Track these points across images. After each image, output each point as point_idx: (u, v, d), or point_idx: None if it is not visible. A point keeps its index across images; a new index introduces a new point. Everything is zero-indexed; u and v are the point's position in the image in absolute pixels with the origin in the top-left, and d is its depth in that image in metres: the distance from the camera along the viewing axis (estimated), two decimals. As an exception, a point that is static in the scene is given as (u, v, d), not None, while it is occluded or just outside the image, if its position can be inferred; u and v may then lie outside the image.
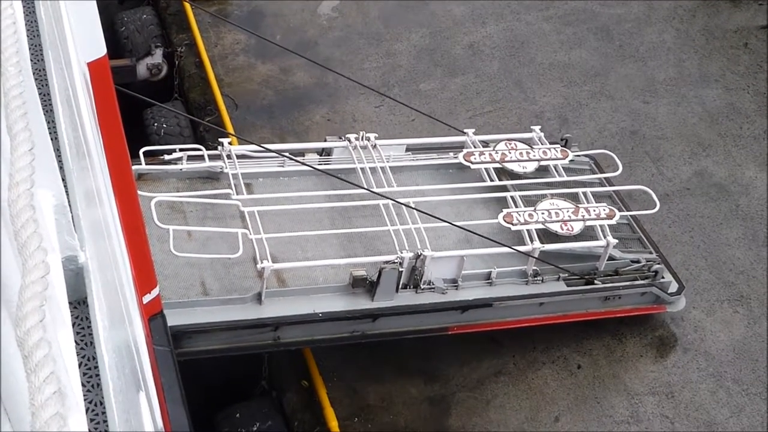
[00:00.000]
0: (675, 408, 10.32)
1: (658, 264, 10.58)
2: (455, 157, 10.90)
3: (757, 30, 15.38)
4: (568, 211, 10.22)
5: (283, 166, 10.53)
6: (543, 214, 10.14)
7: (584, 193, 10.60)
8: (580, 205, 10.34)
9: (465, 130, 11.39)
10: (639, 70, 14.66)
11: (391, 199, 9.77)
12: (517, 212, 10.10)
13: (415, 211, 9.78)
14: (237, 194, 9.80)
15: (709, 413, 10.30)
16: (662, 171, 13.03)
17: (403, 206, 9.78)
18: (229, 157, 10.24)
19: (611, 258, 10.33)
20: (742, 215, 12.42)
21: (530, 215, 10.09)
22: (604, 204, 10.51)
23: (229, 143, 10.48)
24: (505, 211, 10.10)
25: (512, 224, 9.99)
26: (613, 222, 10.28)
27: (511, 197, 10.39)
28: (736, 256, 11.88)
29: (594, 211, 10.30)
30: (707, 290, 11.48)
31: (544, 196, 10.43)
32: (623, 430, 10.12)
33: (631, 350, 10.84)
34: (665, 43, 15.15)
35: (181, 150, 10.29)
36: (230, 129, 13.05)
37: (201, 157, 10.23)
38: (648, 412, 10.27)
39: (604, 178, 11.36)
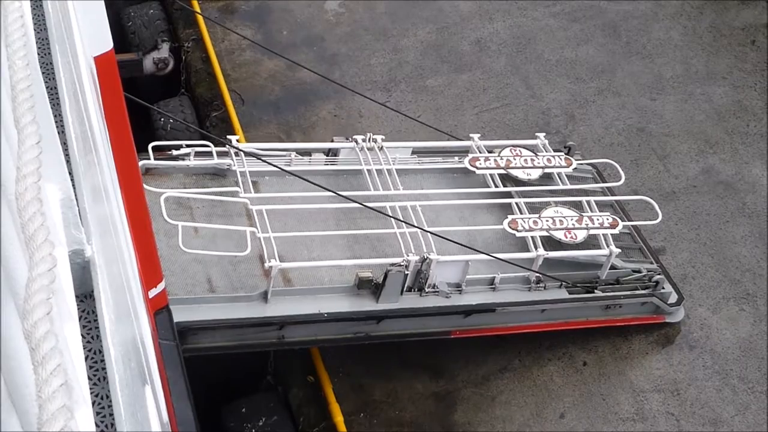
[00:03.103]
0: (680, 405, 10.31)
1: (659, 274, 10.64)
2: (460, 162, 10.92)
3: (765, 27, 15.33)
4: (572, 219, 10.24)
5: (290, 165, 10.51)
6: (547, 221, 10.15)
7: (588, 202, 10.63)
8: (584, 214, 10.36)
9: (471, 135, 11.36)
10: (646, 67, 14.64)
11: (394, 217, 9.75)
12: (522, 219, 10.10)
13: (420, 214, 9.83)
14: (244, 192, 9.80)
15: (714, 411, 10.29)
16: (669, 168, 13.00)
17: (409, 208, 9.85)
18: (236, 154, 10.25)
19: (613, 267, 10.36)
20: (749, 213, 12.40)
21: (535, 222, 10.10)
22: (608, 213, 10.53)
23: (237, 140, 10.48)
24: (510, 217, 10.11)
25: (517, 230, 10.00)
26: (615, 231, 10.29)
27: (516, 203, 10.40)
28: (743, 254, 11.86)
29: (597, 220, 10.33)
30: (713, 288, 11.47)
31: (548, 204, 10.43)
32: (629, 428, 10.11)
33: (636, 347, 10.84)
34: (672, 40, 15.12)
35: (188, 146, 10.29)
36: (236, 124, 13.05)
37: (208, 154, 10.23)
38: (653, 409, 10.27)
39: (607, 187, 11.40)
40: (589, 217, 10.34)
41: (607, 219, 10.38)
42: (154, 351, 5.27)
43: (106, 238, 3.99)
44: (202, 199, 9.83)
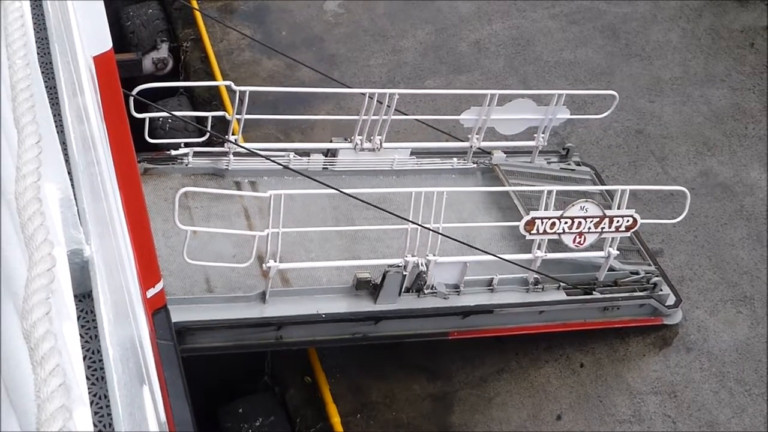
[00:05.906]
0: (677, 407, 10.31)
1: (657, 276, 10.62)
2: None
3: (763, 30, 15.35)
4: (591, 221, 9.73)
5: (288, 165, 10.47)
6: (566, 223, 9.63)
7: (623, 192, 9.93)
8: (608, 213, 9.79)
9: (469, 136, 11.27)
10: (645, 69, 14.64)
11: (394, 214, 9.57)
12: (541, 219, 9.55)
13: (419, 212, 9.67)
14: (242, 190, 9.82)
15: (711, 413, 10.29)
16: (667, 170, 13.01)
17: (408, 208, 9.72)
18: (235, 154, 10.25)
19: (611, 269, 10.33)
20: (747, 215, 12.41)
21: (553, 224, 9.61)
22: (632, 210, 9.97)
23: (236, 140, 10.47)
24: (531, 214, 9.62)
25: (530, 233, 9.59)
26: (627, 234, 10.11)
27: (548, 192, 9.74)
28: (740, 257, 11.86)
29: (617, 222, 9.86)
30: (711, 290, 11.47)
31: (578, 200, 9.83)
32: (625, 429, 10.11)
33: (634, 349, 10.84)
34: (671, 43, 15.13)
35: (186, 145, 10.28)
36: (235, 124, 12.99)
37: (206, 153, 10.23)
38: (650, 411, 10.26)
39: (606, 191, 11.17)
40: (610, 219, 9.83)
41: (627, 221, 9.94)
42: (152, 351, 5.27)
43: (105, 238, 3.99)
44: (201, 200, 9.81)
